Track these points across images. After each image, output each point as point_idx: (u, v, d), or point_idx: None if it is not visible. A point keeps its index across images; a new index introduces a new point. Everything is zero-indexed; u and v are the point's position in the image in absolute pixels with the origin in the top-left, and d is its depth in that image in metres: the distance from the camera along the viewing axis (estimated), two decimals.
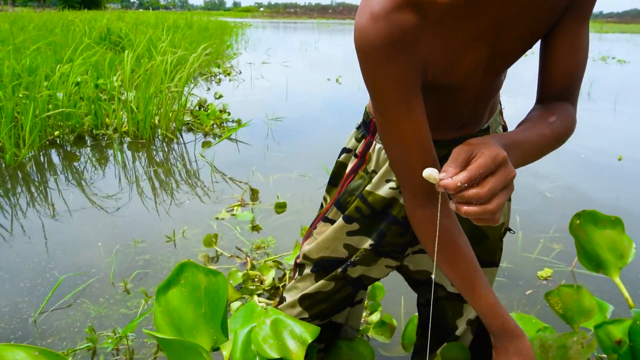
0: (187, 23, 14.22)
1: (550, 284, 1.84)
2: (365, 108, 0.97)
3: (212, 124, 3.99)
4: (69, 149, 3.46)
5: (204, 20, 17.45)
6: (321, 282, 1.03)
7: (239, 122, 4.15)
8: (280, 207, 2.43)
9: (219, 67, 7.63)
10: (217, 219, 2.33)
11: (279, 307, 1.11)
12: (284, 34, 23.72)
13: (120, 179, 2.89)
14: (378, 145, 0.94)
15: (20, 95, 3.42)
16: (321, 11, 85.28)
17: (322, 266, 1.03)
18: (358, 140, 0.99)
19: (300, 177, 2.90)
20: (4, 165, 2.97)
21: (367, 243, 0.97)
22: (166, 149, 3.55)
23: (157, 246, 2.06)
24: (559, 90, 0.80)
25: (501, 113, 1.01)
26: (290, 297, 1.08)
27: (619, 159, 3.48)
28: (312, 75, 8.07)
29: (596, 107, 5.52)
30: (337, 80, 7.18)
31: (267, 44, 14.67)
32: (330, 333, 1.16)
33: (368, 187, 0.95)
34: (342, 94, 6.26)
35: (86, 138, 3.69)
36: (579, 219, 1.11)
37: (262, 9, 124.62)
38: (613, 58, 11.92)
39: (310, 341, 1.03)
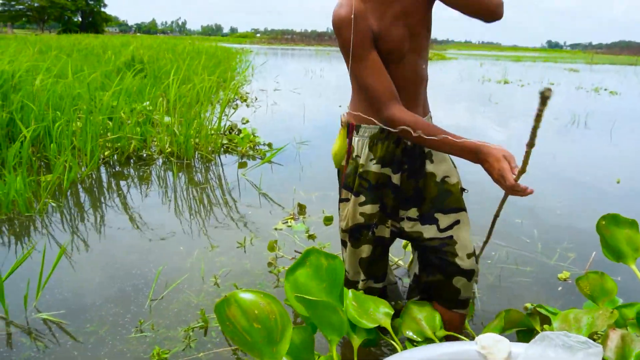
0: (194, 49, 14.71)
1: (568, 283, 2.18)
2: (341, 118, 1.42)
3: (247, 147, 4.35)
4: (118, 168, 3.79)
5: (211, 47, 17.99)
6: (359, 246, 1.48)
7: (269, 145, 4.51)
8: (328, 220, 2.77)
9: (236, 93, 8.03)
10: (275, 229, 2.66)
11: (348, 278, 1.55)
12: (286, 61, 24.33)
13: (174, 194, 3.22)
14: (356, 138, 1.43)
15: (79, 120, 3.77)
16: (317, 38, 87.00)
17: (353, 234, 1.48)
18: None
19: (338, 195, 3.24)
20: (63, 184, 3.29)
21: (376, 208, 1.44)
22: (208, 169, 3.90)
23: (230, 251, 2.39)
24: None
25: (430, 118, 1.52)
26: (350, 269, 1.53)
27: (617, 182, 3.86)
28: (323, 101, 8.48)
29: (593, 136, 5.95)
30: (347, 107, 7.58)
31: (272, 71, 15.17)
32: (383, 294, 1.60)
33: (361, 168, 1.43)
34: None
35: (132, 159, 4.03)
36: (604, 221, 1.46)
37: (258, 35, 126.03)
38: (605, 89, 12.46)
39: (391, 313, 1.37)
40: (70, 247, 2.38)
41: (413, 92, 1.40)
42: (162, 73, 7.24)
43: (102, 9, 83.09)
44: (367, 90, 1.30)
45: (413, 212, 1.46)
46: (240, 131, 4.76)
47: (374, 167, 1.42)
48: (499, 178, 1.15)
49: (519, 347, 1.12)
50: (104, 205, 3.02)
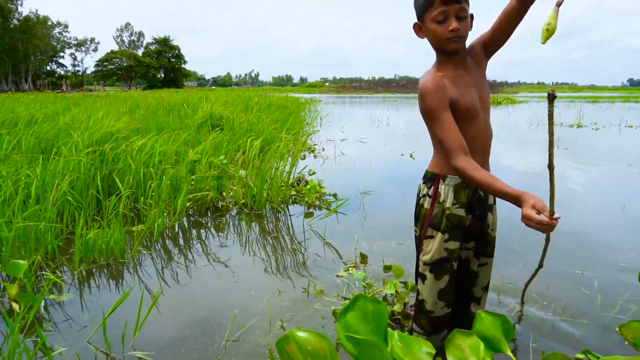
0: (266, 102, 15.57)
1: None
2: (426, 171, 1.87)
3: (313, 198, 4.64)
4: (198, 218, 4.19)
5: (282, 98, 18.92)
6: (441, 278, 1.82)
7: (335, 195, 4.77)
8: (387, 269, 2.93)
9: (304, 145, 8.46)
10: (337, 276, 2.87)
11: (425, 307, 1.88)
12: (354, 109, 24.98)
13: (247, 242, 3.53)
14: (442, 186, 1.79)
15: (169, 177, 4.26)
16: (385, 85, 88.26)
17: (436, 265, 1.81)
18: (428, 188, 1.83)
19: (398, 245, 3.42)
20: (153, 233, 3.70)
21: (457, 245, 1.81)
22: (278, 219, 4.21)
23: (295, 296, 2.62)
24: None
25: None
26: (429, 299, 1.86)
27: None
28: (388, 150, 8.71)
29: None
30: (411, 156, 7.76)
31: (339, 120, 15.70)
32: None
33: (447, 211, 1.77)
34: (417, 167, 6.81)
35: (209, 209, 4.43)
36: None
37: (327, 83, 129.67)
38: None
39: (433, 353, 1.53)
40: (159, 290, 2.71)
41: (487, 144, 1.81)
42: (238, 128, 7.83)
43: (183, 66, 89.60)
44: (442, 144, 1.66)
45: (471, 244, 1.90)
46: (307, 182, 5.07)
47: (457, 210, 1.79)
48: (524, 220, 1.42)
49: None
50: (187, 252, 3.38)
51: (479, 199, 1.81)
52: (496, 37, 1.73)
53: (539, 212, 1.39)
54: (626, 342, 1.60)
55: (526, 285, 2.35)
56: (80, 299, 2.61)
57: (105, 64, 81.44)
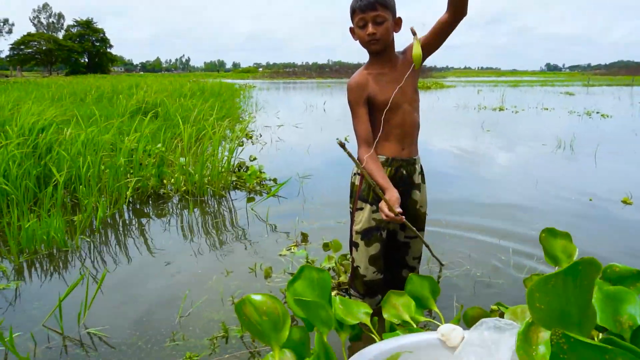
0: (199, 88, 15.33)
1: None
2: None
3: (254, 183, 4.77)
4: (139, 206, 4.22)
5: (215, 84, 18.64)
6: (371, 245, 2.08)
7: (275, 180, 4.93)
8: (326, 246, 3.14)
9: (242, 132, 8.52)
10: (280, 255, 3.05)
11: (359, 272, 2.15)
12: (288, 95, 25.05)
13: (190, 227, 3.63)
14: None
15: (104, 163, 4.23)
16: (319, 70, 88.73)
17: (366, 234, 2.08)
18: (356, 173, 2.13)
19: (337, 223, 3.64)
20: (95, 222, 3.70)
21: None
22: (220, 204, 4.31)
23: (243, 275, 2.78)
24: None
25: (422, 170, 2.22)
26: (361, 264, 2.11)
27: (590, 200, 4.24)
28: (324, 135, 8.95)
29: (575, 158, 6.35)
30: (345, 139, 8.03)
31: (274, 106, 15.77)
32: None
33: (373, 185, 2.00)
34: (352, 150, 7.08)
35: (151, 197, 4.45)
36: (544, 233, 1.85)
37: (260, 69, 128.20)
38: (597, 112, 12.90)
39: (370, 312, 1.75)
40: (104, 272, 2.77)
41: (411, 132, 2.07)
42: (172, 116, 7.75)
43: (108, 50, 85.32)
44: (356, 134, 2.03)
45: None
46: (248, 168, 5.19)
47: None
48: (379, 209, 1.93)
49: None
50: (130, 239, 3.43)
51: (400, 177, 2.08)
52: (429, 43, 1.96)
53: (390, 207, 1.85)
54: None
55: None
56: (24, 288, 2.63)
57: (22, 47, 75.92)
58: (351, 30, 2.04)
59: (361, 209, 2.09)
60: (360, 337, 1.77)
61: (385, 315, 1.79)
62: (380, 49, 1.97)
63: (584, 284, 0.93)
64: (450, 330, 1.53)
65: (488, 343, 1.41)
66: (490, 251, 3.12)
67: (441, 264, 2.83)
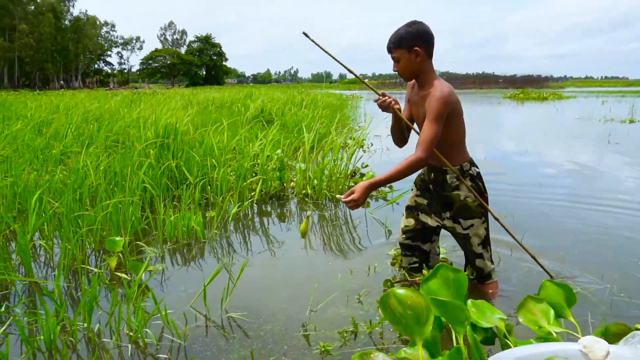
0: (311, 99, 15.84)
1: None
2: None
3: None
4: (264, 207, 4.50)
5: (324, 94, 19.17)
6: (407, 218, 2.68)
7: (390, 187, 4.99)
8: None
9: (359, 142, 8.69)
10: (387, 254, 3.12)
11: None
12: None
13: (313, 229, 3.80)
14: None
15: (230, 168, 4.58)
16: None
17: (407, 209, 2.70)
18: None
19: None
20: (229, 218, 4.02)
21: (425, 202, 2.61)
22: (337, 208, 4.47)
23: (363, 274, 2.87)
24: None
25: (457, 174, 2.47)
26: (400, 229, 2.74)
27: None
28: None
29: None
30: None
31: (382, 115, 15.78)
32: (422, 257, 2.71)
33: (419, 176, 2.64)
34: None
35: (273, 199, 4.73)
36: None
37: (367, 80, 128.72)
38: None
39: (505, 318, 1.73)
40: (245, 261, 3.01)
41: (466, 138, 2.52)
42: (289, 123, 8.14)
43: (224, 63, 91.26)
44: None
45: (447, 214, 2.49)
46: (363, 175, 5.30)
47: (421, 177, 2.65)
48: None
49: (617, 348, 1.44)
50: (257, 235, 3.68)
51: (422, 179, 2.62)
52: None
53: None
54: None
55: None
56: (171, 271, 2.95)
57: (150, 62, 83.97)
58: None
59: (411, 189, 2.71)
60: (493, 342, 1.77)
61: (520, 320, 1.77)
62: (407, 79, 2.46)
63: None
64: (593, 343, 1.48)
65: None
66: (629, 271, 2.91)
67: (550, 276, 2.66)
